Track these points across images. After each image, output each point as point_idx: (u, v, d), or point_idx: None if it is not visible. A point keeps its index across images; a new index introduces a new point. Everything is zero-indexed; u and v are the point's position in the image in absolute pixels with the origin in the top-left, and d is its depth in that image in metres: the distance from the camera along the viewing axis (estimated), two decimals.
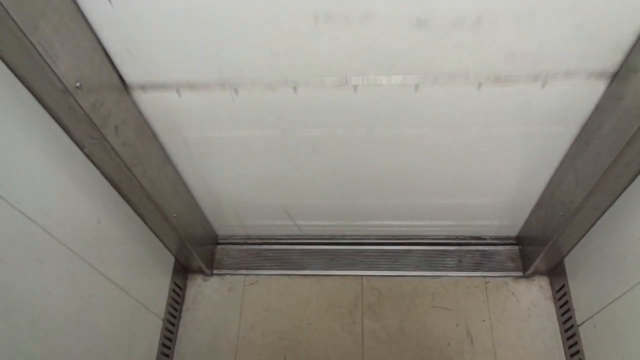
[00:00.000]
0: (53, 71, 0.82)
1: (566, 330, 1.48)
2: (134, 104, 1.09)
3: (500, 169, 1.31)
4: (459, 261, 1.67)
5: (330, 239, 1.74)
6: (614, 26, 0.87)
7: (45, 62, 0.80)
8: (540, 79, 0.98)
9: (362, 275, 1.68)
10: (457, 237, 1.70)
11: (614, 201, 1.17)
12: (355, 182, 1.40)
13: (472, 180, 1.37)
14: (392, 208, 1.55)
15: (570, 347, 1.45)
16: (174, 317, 1.60)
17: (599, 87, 1.00)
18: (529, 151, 1.22)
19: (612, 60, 0.93)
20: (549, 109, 1.07)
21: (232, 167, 1.36)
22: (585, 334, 1.38)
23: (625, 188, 1.12)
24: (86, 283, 1.12)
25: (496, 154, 1.25)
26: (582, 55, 0.93)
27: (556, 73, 0.97)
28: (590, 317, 1.34)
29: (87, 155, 1.07)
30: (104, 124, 0.97)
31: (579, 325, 1.40)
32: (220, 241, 1.78)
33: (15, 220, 0.89)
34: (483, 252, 1.68)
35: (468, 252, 1.68)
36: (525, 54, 0.93)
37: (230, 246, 1.77)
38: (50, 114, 0.95)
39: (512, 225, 1.63)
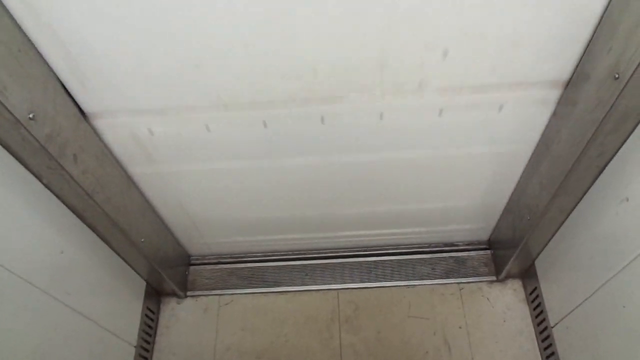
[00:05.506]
0: (2, 104, 0.79)
1: (541, 332, 1.49)
2: (94, 130, 1.07)
3: (467, 176, 1.33)
4: (433, 269, 1.67)
5: (304, 253, 1.73)
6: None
7: None
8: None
9: (337, 289, 1.67)
10: (429, 245, 1.71)
11: (577, 203, 1.19)
12: (326, 192, 1.40)
13: (442, 186, 1.38)
14: (364, 216, 1.54)
15: (545, 348, 1.47)
16: (148, 342, 1.57)
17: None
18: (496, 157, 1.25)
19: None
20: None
21: (202, 185, 1.34)
22: (559, 336, 1.39)
23: (587, 190, 1.14)
24: (50, 316, 1.08)
25: (463, 162, 1.27)
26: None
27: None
28: (563, 319, 1.35)
29: (46, 186, 1.04)
30: (61, 153, 0.95)
31: (552, 327, 1.41)
32: (193, 262, 1.75)
33: None
34: (456, 259, 1.69)
35: (441, 259, 1.69)
36: None
37: (203, 266, 1.74)
38: (3, 146, 0.91)
39: (483, 228, 1.64)
